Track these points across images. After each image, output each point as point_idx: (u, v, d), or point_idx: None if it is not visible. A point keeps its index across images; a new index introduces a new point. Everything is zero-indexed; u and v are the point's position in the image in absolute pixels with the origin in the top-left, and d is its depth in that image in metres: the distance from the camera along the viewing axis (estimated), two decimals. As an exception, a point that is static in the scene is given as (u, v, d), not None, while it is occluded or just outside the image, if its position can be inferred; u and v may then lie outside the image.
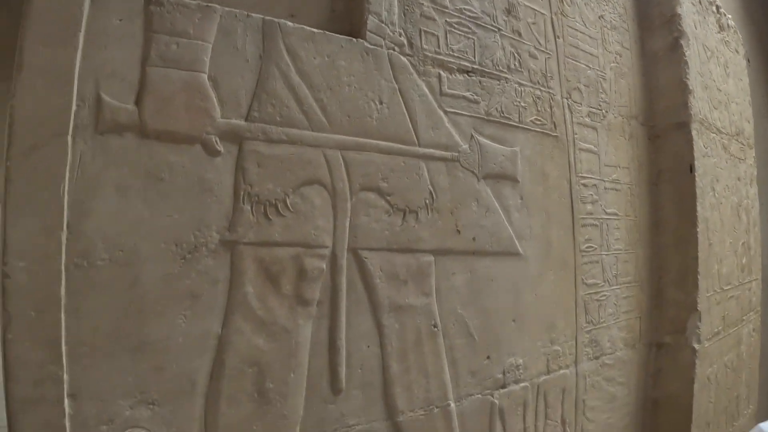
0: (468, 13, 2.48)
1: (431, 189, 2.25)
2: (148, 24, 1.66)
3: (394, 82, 2.19)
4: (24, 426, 1.45)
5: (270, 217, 1.85)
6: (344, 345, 2.00)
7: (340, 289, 1.99)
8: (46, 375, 1.47)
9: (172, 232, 1.67)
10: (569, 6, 3.04)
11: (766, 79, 6.38)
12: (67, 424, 1.50)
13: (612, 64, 3.30)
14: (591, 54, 3.15)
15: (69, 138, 1.52)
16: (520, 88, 2.66)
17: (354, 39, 2.11)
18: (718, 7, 4.13)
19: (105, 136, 1.59)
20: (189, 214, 1.70)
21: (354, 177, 2.04)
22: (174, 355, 1.67)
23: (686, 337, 3.42)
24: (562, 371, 2.83)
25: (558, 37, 2.93)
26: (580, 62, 3.05)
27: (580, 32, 3.09)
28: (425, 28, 2.31)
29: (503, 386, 2.52)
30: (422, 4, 2.31)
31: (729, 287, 3.87)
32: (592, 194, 3.03)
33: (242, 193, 1.80)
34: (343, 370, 1.99)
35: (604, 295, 3.11)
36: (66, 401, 1.50)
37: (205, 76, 1.76)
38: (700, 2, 3.81)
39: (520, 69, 2.68)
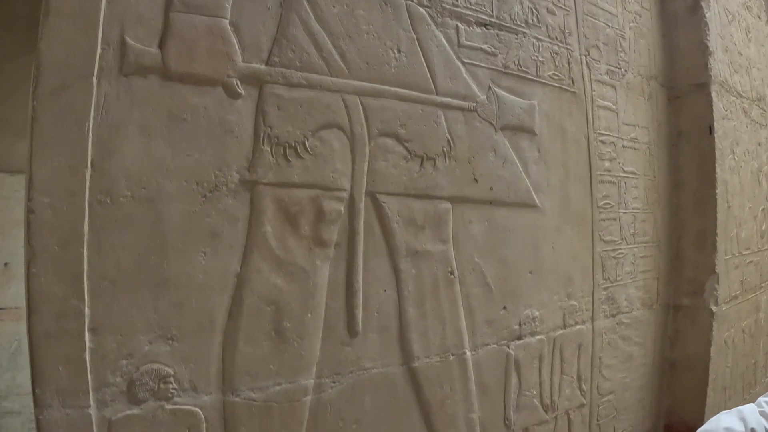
0: (486, -33, 2.47)
1: (449, 137, 2.26)
2: (172, -29, 1.68)
3: (413, 32, 2.20)
4: (45, 359, 1.49)
5: (289, 158, 1.87)
6: (361, 288, 2.02)
7: (357, 232, 2.01)
8: (68, 309, 1.51)
9: (193, 172, 1.70)
10: (588, -37, 3.02)
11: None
12: (88, 358, 1.53)
13: (631, 24, 3.28)
14: (610, 12, 3.13)
15: (94, 79, 1.55)
16: (537, 43, 2.65)
17: (372, -12, 2.12)
18: (739, -29, 4.08)
19: (129, 78, 1.61)
20: (210, 155, 1.73)
21: (372, 122, 2.05)
22: (194, 292, 1.70)
23: (704, 299, 3.41)
24: (578, 327, 2.85)
25: (577, -6, 2.92)
26: (599, 20, 3.03)
27: (599, -10, 3.07)
28: (443, -20, 2.31)
29: (519, 338, 2.54)
30: (440, -45, 2.31)
31: (748, 252, 3.85)
32: (610, 151, 3.02)
33: (262, 134, 1.82)
34: (359, 313, 2.02)
35: (622, 253, 3.11)
36: (87, 335, 1.53)
37: (227, 22, 1.77)
38: (721, -35, 3.77)
39: (538, 24, 2.67)
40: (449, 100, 2.27)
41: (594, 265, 2.94)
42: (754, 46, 4.17)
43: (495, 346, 2.45)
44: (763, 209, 4.10)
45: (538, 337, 2.63)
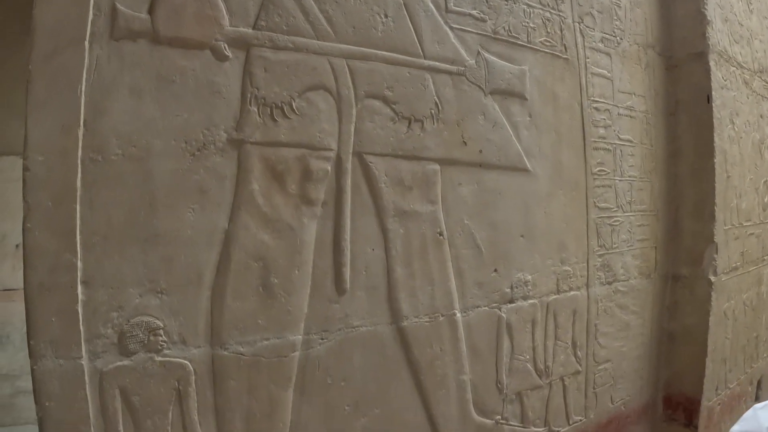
0: (475, -69, 2.48)
1: (437, 100, 2.28)
2: (159, -62, 1.72)
3: (400, -3, 2.23)
4: (39, 311, 1.55)
5: (276, 119, 1.91)
6: (348, 246, 2.06)
7: (344, 191, 2.05)
8: (61, 263, 1.57)
9: (182, 131, 1.75)
10: (581, -70, 3.01)
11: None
12: (80, 310, 1.60)
13: (627, -7, 3.28)
14: (605, -19, 3.13)
15: (86, 44, 1.61)
16: (528, 10, 2.66)
17: (357, -47, 2.14)
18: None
19: (120, 43, 1.67)
20: (198, 115, 1.78)
21: (359, 84, 2.08)
22: (182, 247, 1.75)
23: (703, 269, 3.41)
24: (573, 292, 2.87)
25: (569, -39, 2.92)
26: (593, -12, 3.03)
27: (593, -42, 3.06)
28: (430, -55, 2.33)
29: (511, 301, 2.57)
30: None
31: (749, 224, 3.84)
32: (604, 119, 3.02)
33: (249, 95, 1.86)
34: (347, 271, 2.06)
35: (618, 221, 3.12)
36: (79, 288, 1.59)
37: (214, -12, 1.81)
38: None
39: (528, -10, 2.68)
40: (437, 63, 2.29)
41: (588, 232, 2.95)
42: (756, 18, 4.14)
43: (486, 308, 2.47)
44: (765, 182, 4.08)
45: (530, 301, 2.65)
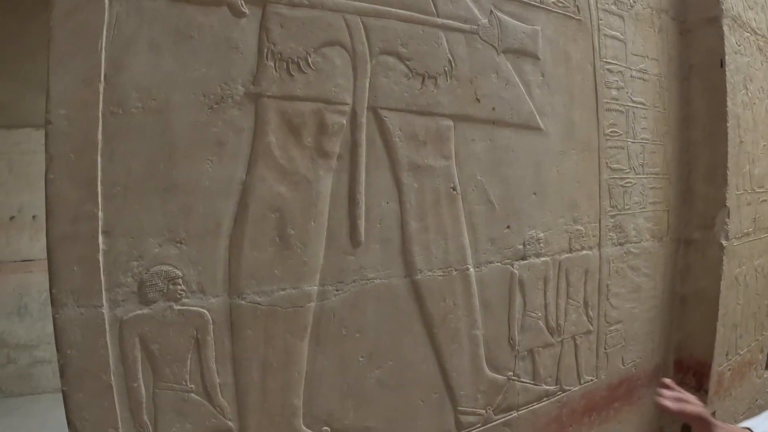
0: None
1: (450, 57, 2.30)
2: None
3: (413, -45, 2.24)
4: (61, 260, 1.59)
5: (292, 73, 1.94)
6: (363, 199, 2.09)
7: (359, 145, 2.08)
8: (83, 212, 1.61)
9: (200, 84, 1.78)
10: None
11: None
12: (101, 259, 1.64)
13: (641, -44, 3.27)
14: (618, -56, 3.12)
15: (106, 0, 1.64)
16: (542, -31, 2.66)
17: None
18: None
19: (139, -1, 1.69)
20: (216, 69, 1.81)
21: (373, 41, 2.11)
22: (201, 197, 1.79)
23: (714, 233, 3.43)
24: (584, 252, 2.89)
25: None
26: (606, -50, 3.03)
27: None
28: None
29: (523, 258, 2.60)
30: None
31: (762, 191, 3.84)
32: (617, 80, 3.03)
33: (266, 50, 1.89)
34: (362, 223, 2.09)
35: (630, 182, 3.13)
36: (100, 237, 1.64)
37: (231, -57, 1.84)
38: None
39: (542, -48, 2.68)
40: (450, 22, 2.30)
41: (601, 192, 2.97)
42: (772, -16, 4.11)
43: (499, 264, 2.51)
44: (779, 148, 4.08)
45: (542, 258, 2.69)
